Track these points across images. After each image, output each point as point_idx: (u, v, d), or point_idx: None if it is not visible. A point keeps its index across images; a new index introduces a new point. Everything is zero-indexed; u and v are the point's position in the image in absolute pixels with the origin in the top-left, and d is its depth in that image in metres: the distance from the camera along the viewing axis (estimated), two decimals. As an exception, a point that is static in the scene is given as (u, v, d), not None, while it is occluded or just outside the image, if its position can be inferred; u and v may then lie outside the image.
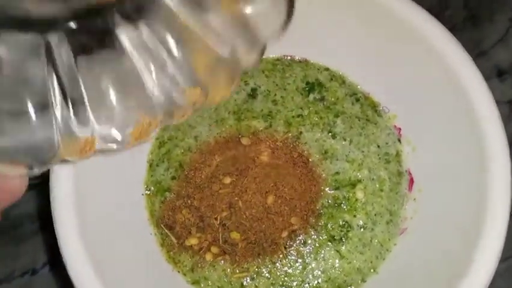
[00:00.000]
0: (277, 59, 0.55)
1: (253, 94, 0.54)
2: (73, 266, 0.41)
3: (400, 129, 0.52)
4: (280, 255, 0.48)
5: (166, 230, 0.49)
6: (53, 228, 0.42)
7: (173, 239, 0.49)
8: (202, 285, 0.48)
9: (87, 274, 0.41)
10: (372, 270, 0.48)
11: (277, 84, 0.54)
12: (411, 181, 0.50)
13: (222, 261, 0.48)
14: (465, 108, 0.45)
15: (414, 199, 0.50)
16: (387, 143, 0.52)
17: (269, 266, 0.48)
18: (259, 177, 0.49)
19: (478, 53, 0.59)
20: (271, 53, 0.55)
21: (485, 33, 0.59)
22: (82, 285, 0.41)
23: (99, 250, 0.43)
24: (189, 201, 0.49)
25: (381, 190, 0.50)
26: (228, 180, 0.49)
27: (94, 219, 0.44)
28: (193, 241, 0.48)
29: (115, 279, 0.43)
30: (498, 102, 0.44)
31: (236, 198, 0.48)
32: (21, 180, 0.28)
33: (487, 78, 0.45)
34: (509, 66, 0.58)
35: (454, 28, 0.46)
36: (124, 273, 0.45)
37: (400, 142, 0.52)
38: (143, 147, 0.52)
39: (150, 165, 0.52)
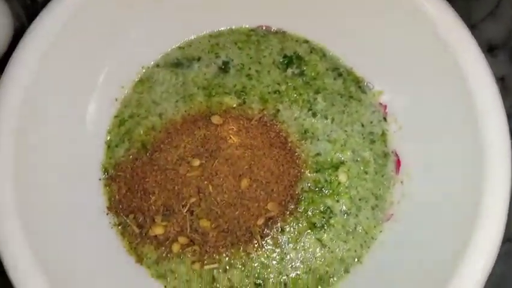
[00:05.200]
0: (252, 30, 0.50)
1: (225, 68, 0.49)
2: (16, 267, 0.36)
3: (386, 106, 0.48)
4: (256, 245, 0.44)
5: (127, 219, 0.44)
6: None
7: (135, 228, 0.44)
8: (169, 279, 0.44)
9: (31, 275, 0.36)
10: (356, 260, 0.44)
11: (251, 57, 0.49)
12: (398, 163, 0.46)
13: (191, 253, 0.43)
14: (459, 82, 0.40)
15: (402, 182, 0.45)
16: (371, 122, 0.48)
17: (243, 256, 0.44)
18: (232, 159, 0.44)
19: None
20: (245, 23, 0.50)
21: (475, 6, 0.55)
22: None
23: (46, 246, 0.38)
24: (153, 186, 0.44)
25: (366, 172, 0.46)
26: (196, 162, 0.44)
27: (41, 211, 0.39)
28: (157, 230, 0.43)
29: (66, 276, 0.38)
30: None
31: (206, 183, 0.43)
32: None
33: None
34: (500, 41, 0.54)
35: None
36: (80, 269, 0.40)
37: (386, 120, 0.48)
38: (100, 125, 0.46)
39: (108, 146, 0.46)
